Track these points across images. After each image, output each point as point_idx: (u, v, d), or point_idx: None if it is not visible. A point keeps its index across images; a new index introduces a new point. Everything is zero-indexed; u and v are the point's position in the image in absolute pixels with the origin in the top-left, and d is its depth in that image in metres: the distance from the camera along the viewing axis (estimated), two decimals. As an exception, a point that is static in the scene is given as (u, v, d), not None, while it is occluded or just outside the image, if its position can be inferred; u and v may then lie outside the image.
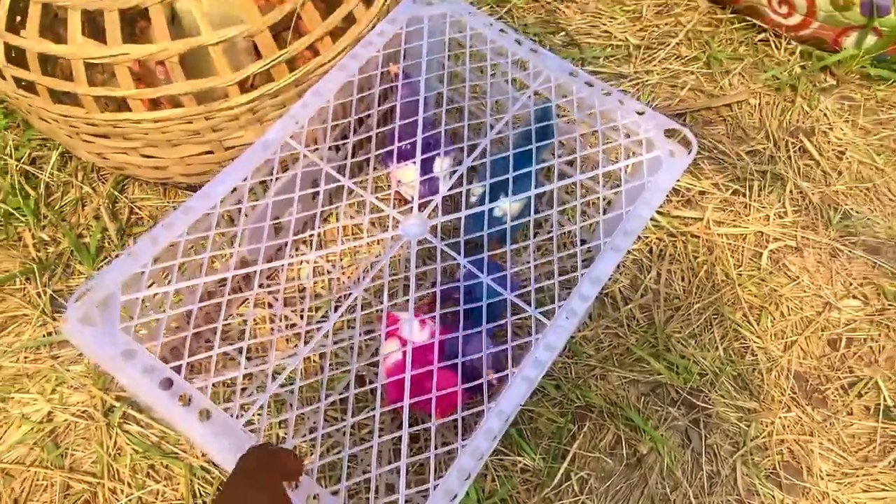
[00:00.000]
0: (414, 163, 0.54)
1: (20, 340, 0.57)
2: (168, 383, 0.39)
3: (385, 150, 0.56)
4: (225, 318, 0.44)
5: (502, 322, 0.46)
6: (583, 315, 0.45)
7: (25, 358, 0.57)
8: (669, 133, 0.51)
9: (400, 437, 0.43)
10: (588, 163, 0.59)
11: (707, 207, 0.67)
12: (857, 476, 0.56)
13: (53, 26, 0.52)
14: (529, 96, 0.52)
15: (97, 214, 0.63)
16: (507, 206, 0.54)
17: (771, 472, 0.56)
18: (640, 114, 0.51)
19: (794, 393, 0.59)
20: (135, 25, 0.57)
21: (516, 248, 0.59)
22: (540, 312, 0.45)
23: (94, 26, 0.50)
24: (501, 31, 0.53)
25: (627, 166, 0.51)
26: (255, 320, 0.58)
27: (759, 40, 0.76)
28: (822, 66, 0.74)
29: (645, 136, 0.50)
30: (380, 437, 0.46)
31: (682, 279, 0.64)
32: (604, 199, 0.56)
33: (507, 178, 0.50)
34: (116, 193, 0.64)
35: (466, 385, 0.45)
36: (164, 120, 0.51)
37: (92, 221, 0.62)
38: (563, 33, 0.77)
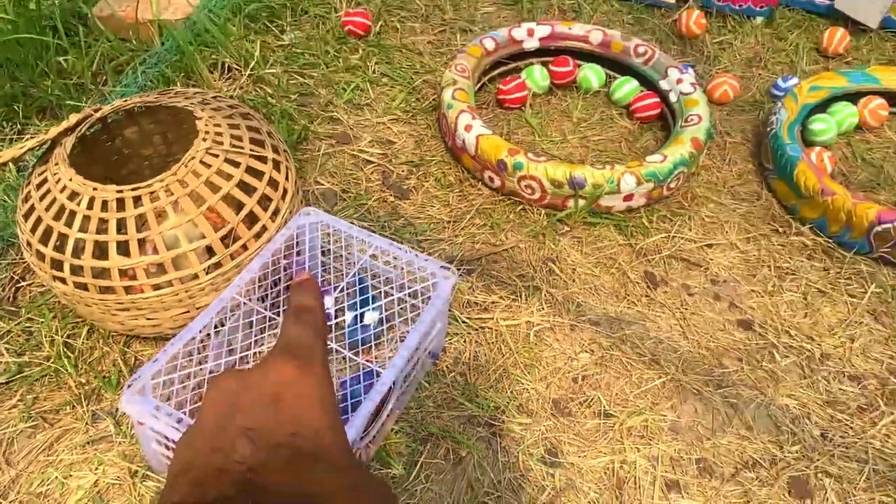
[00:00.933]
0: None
1: (73, 442, 0.92)
2: (179, 420, 0.76)
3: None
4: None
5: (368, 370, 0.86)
6: (402, 365, 0.85)
7: (77, 452, 0.91)
8: (445, 268, 0.94)
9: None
10: (405, 287, 1.02)
11: (496, 310, 1.10)
12: (588, 451, 0.95)
13: (99, 247, 0.93)
14: (367, 258, 0.96)
15: (114, 363, 1.00)
16: (368, 315, 0.95)
17: (540, 457, 0.94)
18: (426, 261, 0.94)
19: (553, 411, 0.99)
20: (144, 244, 0.99)
21: (368, 336, 0.99)
22: (379, 367, 0.85)
23: (123, 247, 0.91)
24: (350, 228, 0.97)
25: (424, 287, 0.93)
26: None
27: (521, 209, 1.24)
28: (558, 220, 1.22)
29: (430, 271, 0.94)
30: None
31: (484, 354, 1.05)
32: (414, 306, 0.97)
33: (356, 302, 0.92)
34: (125, 349, 1.02)
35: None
36: (163, 296, 0.91)
37: (111, 368, 1.00)
38: (402, 219, 1.23)
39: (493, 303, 1.11)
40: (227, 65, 1.48)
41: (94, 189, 0.91)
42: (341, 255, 1.00)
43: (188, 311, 0.95)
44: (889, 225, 1.12)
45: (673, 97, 1.36)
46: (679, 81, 1.36)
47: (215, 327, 0.88)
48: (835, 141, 1.38)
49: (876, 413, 1.00)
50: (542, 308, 1.10)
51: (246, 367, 0.34)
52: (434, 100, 1.45)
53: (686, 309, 1.11)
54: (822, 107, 1.40)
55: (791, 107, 1.34)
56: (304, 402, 0.29)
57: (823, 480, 0.93)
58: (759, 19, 1.67)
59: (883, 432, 0.98)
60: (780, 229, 1.23)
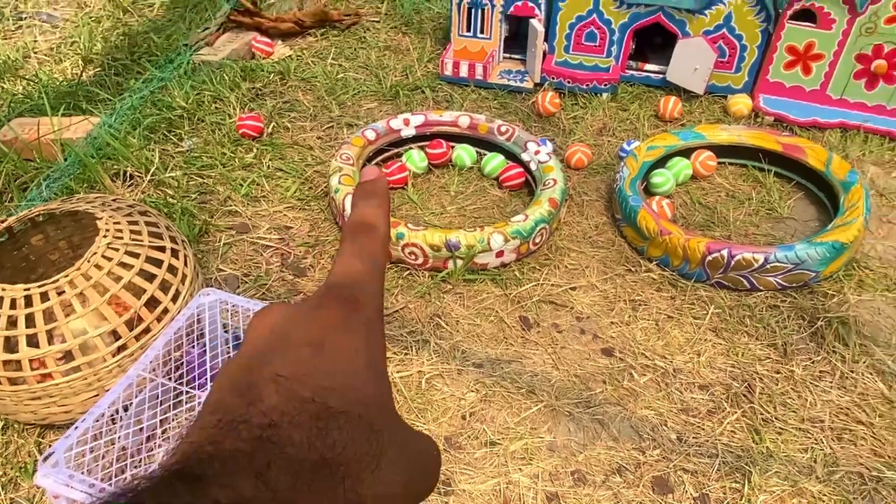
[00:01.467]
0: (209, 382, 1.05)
1: (-10, 531, 0.96)
2: (91, 486, 0.83)
3: (196, 371, 1.06)
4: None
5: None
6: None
7: (-6, 541, 0.95)
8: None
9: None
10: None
11: (390, 365, 1.21)
12: (477, 477, 1.06)
13: (8, 342, 1.00)
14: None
15: (29, 453, 1.06)
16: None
17: (435, 489, 1.04)
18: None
19: (445, 446, 1.10)
20: (52, 335, 1.07)
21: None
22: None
23: (33, 339, 0.99)
24: (247, 302, 1.09)
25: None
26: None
27: (407, 274, 1.39)
28: (441, 280, 1.37)
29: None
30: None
31: (381, 406, 1.16)
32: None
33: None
34: (40, 440, 1.08)
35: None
36: (72, 381, 0.99)
37: (27, 458, 1.05)
38: (302, 294, 1.35)
39: (387, 358, 1.23)
40: (128, 173, 1.60)
41: (3, 289, 1.00)
42: (240, 328, 1.11)
43: (97, 395, 1.03)
44: (717, 254, 1.32)
45: (533, 166, 1.56)
46: (537, 153, 1.57)
47: (126, 403, 0.97)
48: (674, 190, 1.61)
49: (722, 414, 1.16)
50: (432, 358, 1.23)
51: (296, 301, 0.32)
52: (325, 187, 1.60)
53: (556, 344, 1.26)
54: (663, 162, 1.63)
55: (632, 165, 1.56)
56: (347, 351, 0.25)
57: (682, 476, 1.07)
58: (605, 95, 1.93)
59: (729, 429, 1.14)
60: (632, 268, 1.42)
